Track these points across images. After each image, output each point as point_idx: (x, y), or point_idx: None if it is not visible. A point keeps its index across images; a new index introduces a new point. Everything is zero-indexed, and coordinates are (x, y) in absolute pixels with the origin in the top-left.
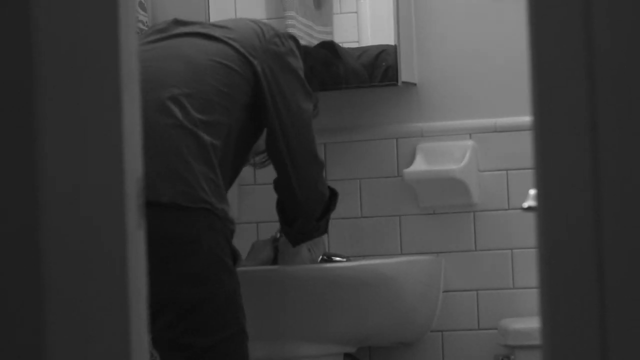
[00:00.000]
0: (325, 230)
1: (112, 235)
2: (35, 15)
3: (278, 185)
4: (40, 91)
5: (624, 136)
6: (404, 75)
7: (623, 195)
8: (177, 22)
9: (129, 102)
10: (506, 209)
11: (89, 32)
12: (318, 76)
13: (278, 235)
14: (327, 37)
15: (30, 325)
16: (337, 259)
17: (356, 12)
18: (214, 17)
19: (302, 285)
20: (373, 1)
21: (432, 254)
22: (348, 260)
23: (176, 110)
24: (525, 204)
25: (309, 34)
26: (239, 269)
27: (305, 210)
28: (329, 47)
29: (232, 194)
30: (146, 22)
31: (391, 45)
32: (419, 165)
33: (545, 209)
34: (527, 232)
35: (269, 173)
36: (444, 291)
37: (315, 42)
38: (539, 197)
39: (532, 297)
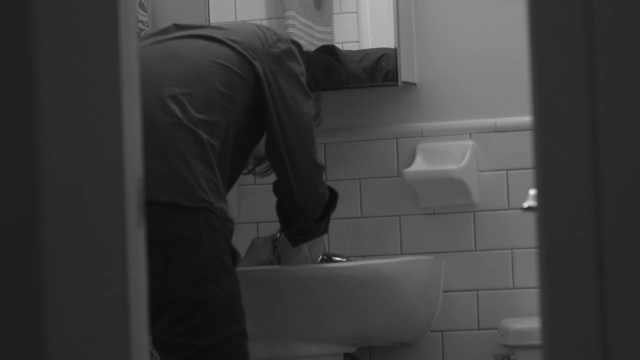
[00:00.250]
0: (325, 231)
1: (112, 235)
2: (35, 15)
3: (278, 187)
4: (40, 91)
5: (624, 136)
6: (404, 75)
7: (623, 195)
8: (178, 27)
9: (129, 102)
10: (506, 209)
11: (89, 32)
12: (319, 81)
13: (278, 235)
14: (327, 37)
15: (30, 325)
16: (337, 259)
17: (356, 12)
18: (214, 17)
19: (302, 285)
20: (373, 1)
21: (432, 254)
22: (348, 260)
23: (176, 109)
24: (525, 204)
25: (309, 34)
26: (239, 269)
27: (305, 212)
28: (330, 51)
29: (232, 194)
30: (146, 22)
31: (391, 49)
32: (419, 165)
33: (545, 209)
34: (527, 232)
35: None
36: (444, 291)
37: (315, 42)
38: (539, 197)
39: (532, 297)
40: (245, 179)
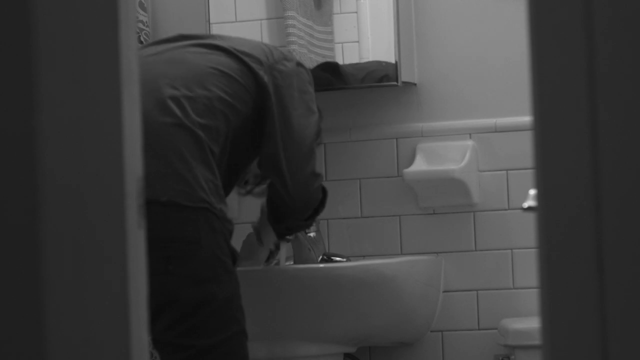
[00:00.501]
0: (310, 225)
1: (112, 235)
2: (35, 15)
3: (272, 188)
4: (39, 91)
5: (624, 136)
6: (404, 75)
7: (623, 195)
8: (184, 37)
9: (129, 102)
10: (506, 209)
11: (89, 32)
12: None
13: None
14: (327, 37)
15: (30, 325)
16: (337, 259)
17: (356, 12)
18: (214, 17)
19: (302, 285)
20: (373, 1)
21: (432, 254)
22: (348, 260)
23: (176, 110)
24: (525, 204)
25: (309, 34)
26: (239, 269)
27: (297, 215)
28: (333, 68)
29: (232, 194)
30: (146, 22)
31: (392, 64)
32: (419, 165)
33: (545, 209)
34: (527, 232)
35: None
36: (444, 291)
37: (315, 42)
38: (539, 197)
39: (532, 297)
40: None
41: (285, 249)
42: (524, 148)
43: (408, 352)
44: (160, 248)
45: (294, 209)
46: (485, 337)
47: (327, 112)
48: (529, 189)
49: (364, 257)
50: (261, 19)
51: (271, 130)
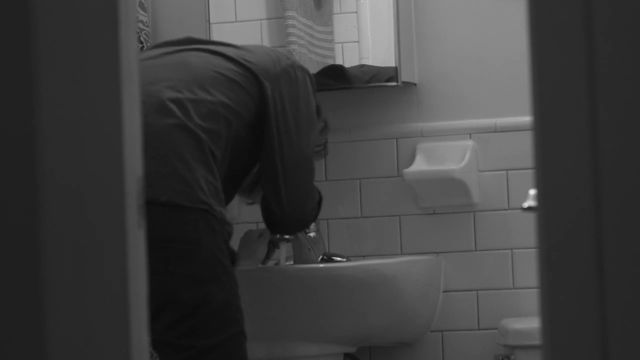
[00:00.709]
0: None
1: (112, 235)
2: (35, 15)
3: (265, 205)
4: (40, 91)
5: (624, 136)
6: (404, 75)
7: (623, 195)
8: (190, 40)
9: (129, 102)
10: (506, 209)
11: (89, 32)
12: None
13: (278, 235)
14: (327, 37)
15: (30, 325)
16: (337, 259)
17: (356, 12)
18: (214, 17)
19: (302, 285)
20: (373, 1)
21: (432, 254)
22: (348, 260)
23: (178, 112)
24: (525, 204)
25: (309, 34)
26: (238, 268)
27: (290, 229)
28: (338, 72)
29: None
30: (146, 22)
31: (393, 68)
32: (419, 165)
33: (545, 209)
34: (527, 232)
35: None
36: (444, 291)
37: (315, 42)
38: (539, 197)
39: (532, 297)
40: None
41: (285, 249)
42: (524, 148)
43: (408, 352)
44: (160, 248)
45: (287, 226)
46: (485, 337)
47: (327, 112)
48: (529, 189)
49: (364, 257)
50: (261, 19)
51: (269, 147)
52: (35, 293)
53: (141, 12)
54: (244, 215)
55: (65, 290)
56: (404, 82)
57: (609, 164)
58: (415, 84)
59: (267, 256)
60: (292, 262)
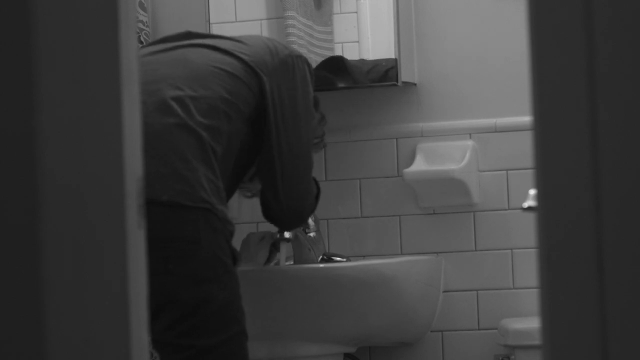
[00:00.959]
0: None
1: (112, 235)
2: (35, 15)
3: (263, 196)
4: (39, 91)
5: (624, 136)
6: (404, 75)
7: (623, 195)
8: (189, 34)
9: (129, 102)
10: (506, 209)
11: (89, 32)
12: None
13: (278, 236)
14: (327, 37)
15: (30, 325)
16: (337, 259)
17: (356, 12)
18: (214, 17)
19: (302, 285)
20: (373, 1)
21: (432, 254)
22: (348, 260)
23: (179, 110)
24: (525, 204)
25: (309, 34)
26: (239, 269)
27: (287, 224)
28: (338, 62)
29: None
30: (146, 22)
31: (393, 59)
32: (419, 165)
33: (545, 209)
34: (527, 232)
35: None
36: (444, 291)
37: (315, 42)
38: (539, 197)
39: (532, 297)
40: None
41: (285, 249)
42: (524, 148)
43: (408, 352)
44: (160, 248)
45: (285, 220)
46: (485, 337)
47: (327, 111)
48: (529, 189)
49: (364, 257)
50: (261, 19)
51: (268, 141)
52: (35, 293)
53: (141, 12)
54: (244, 215)
55: (65, 290)
56: (404, 82)
57: (609, 164)
58: (415, 84)
59: (269, 259)
60: (292, 262)
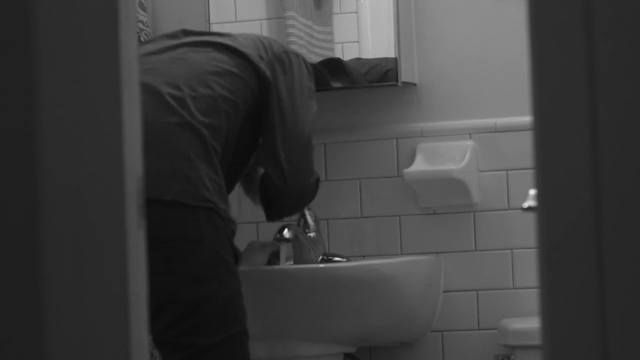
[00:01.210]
0: (300, 210)
1: (112, 235)
2: (35, 15)
3: (268, 182)
4: (39, 91)
5: (624, 136)
6: (404, 75)
7: (623, 195)
8: (186, 32)
9: (129, 102)
10: (506, 209)
11: (89, 32)
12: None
13: (278, 236)
14: (327, 37)
15: (30, 325)
16: (337, 259)
17: (356, 12)
18: (214, 17)
19: (302, 285)
20: (373, 1)
21: (432, 254)
22: (348, 260)
23: (180, 109)
24: (525, 204)
25: (309, 34)
26: (240, 269)
27: (289, 209)
28: (336, 63)
29: (233, 194)
30: (146, 22)
31: (393, 59)
32: (419, 165)
33: (545, 209)
34: (527, 232)
35: None
36: (444, 291)
37: (315, 42)
38: (539, 197)
39: (532, 297)
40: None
41: (285, 249)
42: (524, 148)
43: (408, 352)
44: (160, 248)
45: (289, 201)
46: (485, 337)
47: (327, 112)
48: (529, 189)
49: (364, 257)
50: (261, 19)
51: (271, 121)
52: (35, 293)
53: (141, 12)
54: (244, 216)
55: (65, 290)
56: (404, 82)
57: (609, 164)
58: (415, 84)
59: (269, 264)
60: (292, 262)
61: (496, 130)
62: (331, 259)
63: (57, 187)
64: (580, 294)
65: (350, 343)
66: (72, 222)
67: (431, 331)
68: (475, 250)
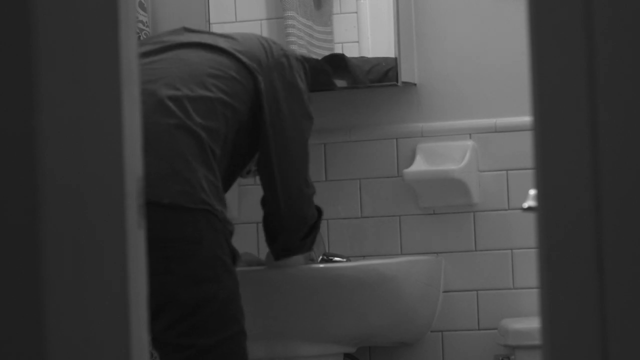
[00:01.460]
0: (310, 248)
1: (112, 235)
2: (35, 15)
3: (265, 201)
4: (39, 91)
5: (624, 136)
6: (404, 75)
7: (623, 195)
8: (187, 30)
9: (129, 102)
10: (506, 209)
11: (89, 32)
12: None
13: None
14: (327, 37)
15: (30, 325)
16: (337, 259)
17: (356, 12)
18: (214, 17)
19: (302, 285)
20: (373, 1)
21: (432, 254)
22: (348, 260)
23: (178, 111)
24: (525, 204)
25: (309, 34)
26: (239, 269)
27: (288, 228)
28: (339, 60)
29: (232, 193)
30: (146, 22)
31: (394, 59)
32: (419, 165)
33: (545, 209)
34: (527, 232)
35: None
36: (444, 291)
37: (315, 42)
38: (539, 197)
39: (532, 297)
40: (245, 179)
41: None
42: (524, 148)
43: (408, 352)
44: (160, 248)
45: (285, 221)
46: (485, 337)
47: (327, 112)
48: (529, 189)
49: (364, 257)
50: (261, 19)
51: (264, 138)
52: (35, 293)
53: (141, 12)
54: (244, 216)
55: (65, 290)
56: (404, 82)
57: (609, 164)
58: (415, 84)
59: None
60: (300, 261)
61: (496, 130)
62: (331, 259)
63: (57, 187)
64: (580, 294)
65: (350, 343)
66: (72, 222)
67: (431, 331)
68: (475, 250)
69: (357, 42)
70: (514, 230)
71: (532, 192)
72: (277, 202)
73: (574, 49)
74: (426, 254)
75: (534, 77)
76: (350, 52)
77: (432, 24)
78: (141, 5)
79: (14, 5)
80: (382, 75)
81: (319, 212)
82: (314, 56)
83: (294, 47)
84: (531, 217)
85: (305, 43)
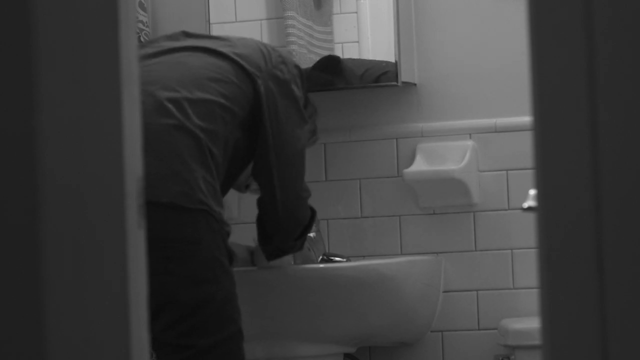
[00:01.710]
0: (301, 248)
1: (112, 235)
2: (35, 15)
3: (262, 203)
4: (39, 91)
5: (624, 136)
6: (404, 75)
7: (623, 195)
8: (186, 34)
9: (129, 102)
10: (506, 209)
11: (89, 32)
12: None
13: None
14: (327, 37)
15: (30, 325)
16: (337, 259)
17: (356, 12)
18: (214, 17)
19: (302, 285)
20: (373, 1)
21: (432, 254)
22: (348, 260)
23: (176, 112)
24: (525, 204)
25: (309, 34)
26: (238, 269)
27: (285, 231)
28: (334, 62)
29: (232, 194)
30: (146, 22)
31: (392, 63)
32: (419, 165)
33: (545, 209)
34: (527, 232)
35: None
36: (444, 291)
37: (315, 42)
38: (539, 197)
39: (532, 297)
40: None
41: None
42: (524, 148)
43: (408, 352)
44: (160, 248)
45: (282, 224)
46: (485, 337)
47: (327, 112)
48: (529, 189)
49: (364, 257)
50: (261, 19)
51: (264, 142)
52: (35, 293)
53: (141, 12)
54: (244, 216)
55: (65, 290)
56: (404, 82)
57: (609, 164)
58: (415, 84)
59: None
60: (291, 263)
61: (496, 130)
62: (331, 259)
63: (57, 187)
64: (580, 294)
65: (350, 343)
66: (72, 222)
67: (431, 331)
68: (475, 250)
69: (357, 42)
70: (514, 230)
71: (532, 192)
72: (275, 206)
73: (574, 49)
74: (426, 254)
75: (534, 77)
76: (350, 52)
77: (432, 24)
78: (141, 5)
79: (14, 5)
80: (374, 79)
81: (312, 212)
82: (314, 56)
83: (294, 47)
84: (531, 217)
85: (305, 43)
